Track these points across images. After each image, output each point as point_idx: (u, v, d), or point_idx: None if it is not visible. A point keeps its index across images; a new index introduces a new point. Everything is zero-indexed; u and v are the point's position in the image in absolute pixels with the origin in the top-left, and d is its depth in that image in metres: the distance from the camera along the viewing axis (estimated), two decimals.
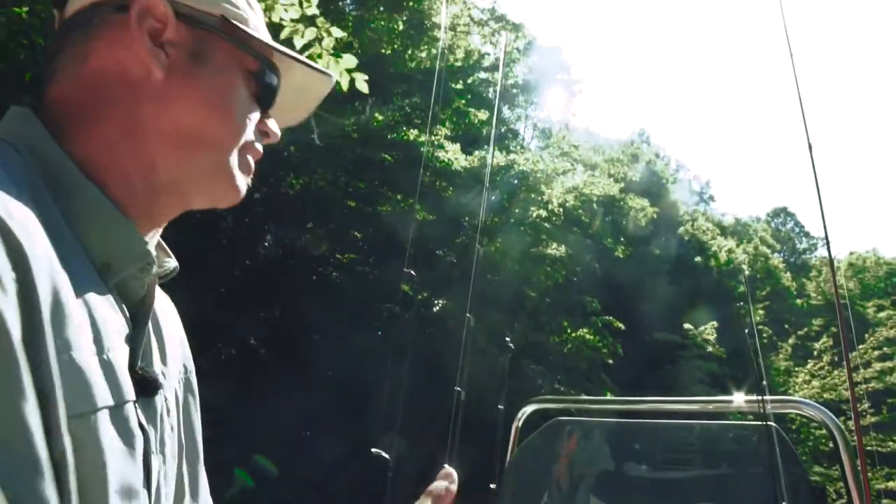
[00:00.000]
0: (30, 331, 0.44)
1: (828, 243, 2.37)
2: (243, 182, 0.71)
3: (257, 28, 0.73)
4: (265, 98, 0.73)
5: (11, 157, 0.53)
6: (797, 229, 48.98)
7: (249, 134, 0.71)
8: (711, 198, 41.69)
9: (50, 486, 0.43)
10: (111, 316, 0.57)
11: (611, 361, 13.83)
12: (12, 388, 0.42)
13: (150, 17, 0.64)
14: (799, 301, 32.92)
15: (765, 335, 22.11)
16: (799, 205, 69.29)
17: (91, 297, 0.54)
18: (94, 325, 0.53)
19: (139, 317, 0.62)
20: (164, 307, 0.75)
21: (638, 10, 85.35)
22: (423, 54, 12.66)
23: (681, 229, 25.71)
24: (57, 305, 0.48)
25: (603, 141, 27.45)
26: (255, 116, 0.72)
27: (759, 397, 1.96)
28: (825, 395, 18.41)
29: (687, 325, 18.66)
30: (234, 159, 0.69)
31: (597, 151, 23.75)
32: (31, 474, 0.42)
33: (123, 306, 0.60)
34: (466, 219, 11.42)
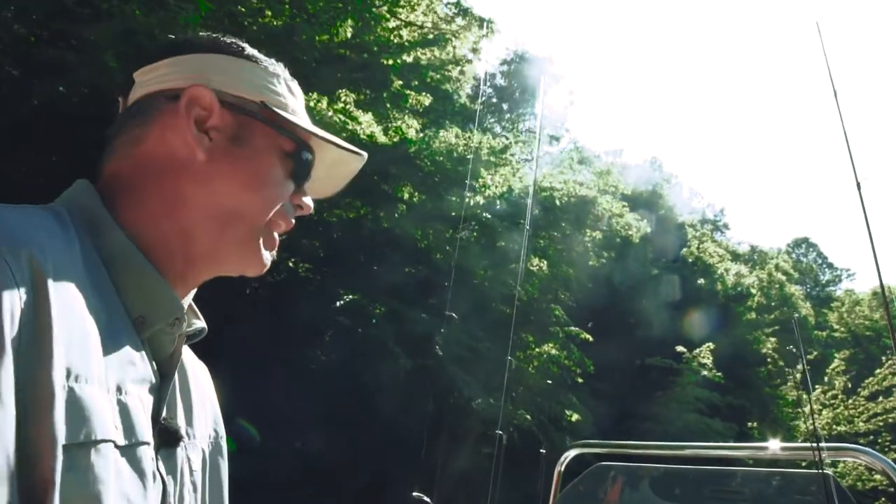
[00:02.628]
0: (29, 350, 0.50)
1: (880, 279, 2.05)
2: (268, 256, 0.79)
3: (296, 111, 0.81)
4: (300, 175, 0.79)
5: (65, 217, 0.63)
6: (819, 260, 47.18)
7: (281, 209, 0.78)
8: (726, 225, 39.87)
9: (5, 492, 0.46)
10: (139, 364, 0.64)
11: (580, 380, 12.30)
12: None
13: (197, 105, 0.73)
14: (820, 332, 30.94)
15: (770, 364, 20.22)
16: (821, 235, 66.86)
17: (120, 344, 0.61)
18: (117, 369, 0.59)
19: (167, 371, 0.70)
20: (198, 371, 0.83)
21: (654, 33, 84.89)
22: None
23: (684, 250, 24.18)
24: (76, 340, 0.54)
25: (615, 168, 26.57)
26: (289, 192, 0.79)
27: (814, 444, 1.77)
28: (838, 428, 16.48)
29: (680, 348, 16.93)
30: (260, 234, 0.77)
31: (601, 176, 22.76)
32: None
33: (153, 360, 0.67)
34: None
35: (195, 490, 0.71)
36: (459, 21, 11.01)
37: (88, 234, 0.64)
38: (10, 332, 0.49)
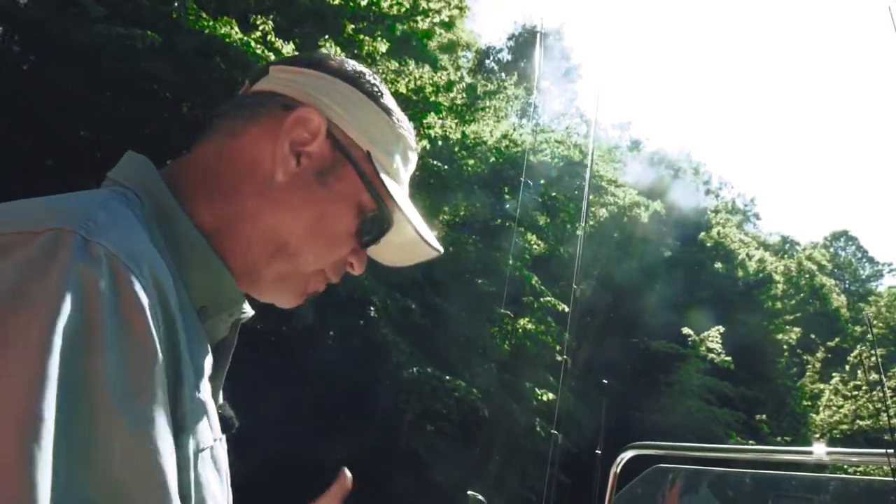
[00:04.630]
0: (174, 371, 0.53)
1: None
2: (301, 298, 0.76)
3: (399, 178, 0.77)
4: (367, 237, 0.75)
5: (136, 205, 0.62)
6: (859, 254, 44.98)
7: (333, 261, 0.75)
8: (756, 215, 38.03)
9: None
10: (206, 356, 0.64)
11: (559, 358, 11.24)
12: (157, 430, 0.48)
13: (302, 126, 0.70)
14: (856, 327, 29.05)
15: (786, 354, 18.72)
16: (862, 229, 63.80)
17: (196, 341, 0.61)
18: (196, 364, 0.60)
19: (219, 357, 0.70)
20: None
21: (686, 24, 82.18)
22: None
23: (702, 234, 22.76)
24: (185, 347, 0.56)
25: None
26: (348, 248, 0.75)
27: (890, 451, 1.63)
28: (859, 423, 15.01)
29: (686, 330, 15.63)
30: (306, 277, 0.74)
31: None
32: None
33: (210, 348, 0.67)
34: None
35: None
36: None
37: (156, 220, 0.63)
38: (162, 363, 0.51)
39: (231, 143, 0.70)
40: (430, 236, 0.77)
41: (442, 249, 0.80)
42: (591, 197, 17.88)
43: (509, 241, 12.32)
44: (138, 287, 0.50)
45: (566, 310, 10.78)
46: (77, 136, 7.88)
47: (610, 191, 16.75)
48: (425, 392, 8.10)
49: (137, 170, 0.66)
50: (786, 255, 30.82)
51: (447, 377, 8.22)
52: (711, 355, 15.27)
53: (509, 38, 22.80)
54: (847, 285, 40.45)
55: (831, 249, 42.86)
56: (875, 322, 28.75)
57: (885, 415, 13.73)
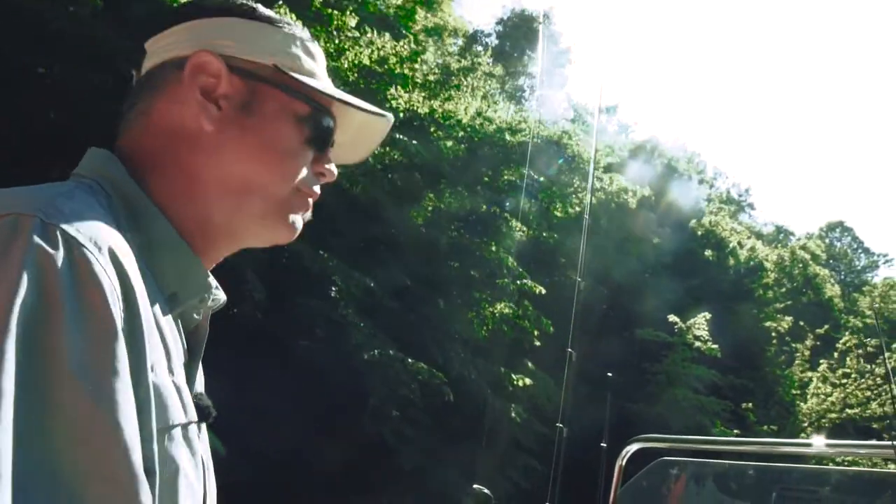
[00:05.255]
0: (133, 352, 0.52)
1: None
2: (298, 220, 0.75)
3: (314, 73, 0.75)
4: (319, 141, 0.75)
5: (100, 194, 0.62)
6: (855, 245, 44.85)
7: (302, 177, 0.74)
8: (751, 205, 37.74)
9: (147, 494, 0.49)
10: (177, 342, 0.64)
11: (538, 343, 10.93)
12: (119, 401, 0.48)
13: (202, 73, 0.70)
14: (850, 318, 28.81)
15: (775, 343, 18.42)
16: (858, 220, 63.60)
17: (163, 322, 0.61)
18: (166, 349, 0.60)
19: (194, 346, 0.70)
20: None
21: (681, 14, 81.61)
22: None
23: (692, 222, 22.44)
24: (148, 327, 0.55)
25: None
26: (308, 159, 0.74)
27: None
28: (848, 412, 14.72)
29: (672, 318, 15.30)
30: (285, 202, 0.73)
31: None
32: (135, 483, 0.48)
33: (183, 335, 0.68)
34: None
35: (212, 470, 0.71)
36: None
37: (123, 210, 0.63)
38: (122, 335, 0.51)
39: (150, 122, 0.70)
40: (374, 107, 0.77)
41: (390, 115, 0.78)
42: (576, 183, 17.58)
43: (494, 227, 12.01)
44: (96, 266, 0.51)
45: (542, 292, 10.47)
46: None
47: (597, 175, 16.40)
48: (389, 376, 7.79)
49: (101, 163, 0.67)
50: (780, 245, 30.55)
51: (409, 360, 7.90)
52: (698, 343, 14.94)
53: (497, 23, 22.39)
54: (843, 276, 40.28)
55: (827, 240, 42.69)
56: (869, 313, 28.52)
57: (874, 403, 13.42)
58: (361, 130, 0.80)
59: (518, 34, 20.79)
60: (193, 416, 0.63)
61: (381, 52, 7.76)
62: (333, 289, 7.95)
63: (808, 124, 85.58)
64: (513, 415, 9.78)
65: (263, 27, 0.73)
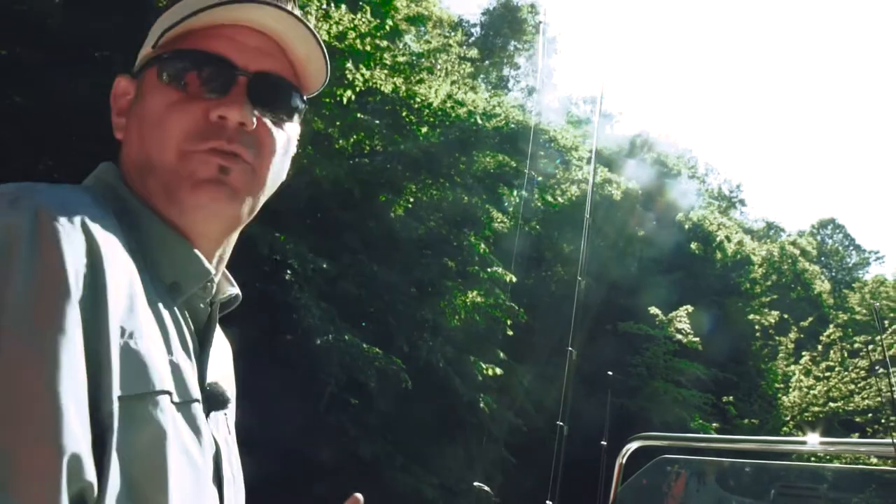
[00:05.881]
0: (92, 312, 0.51)
1: None
2: (205, 183, 0.68)
3: (186, 12, 0.70)
4: (186, 83, 0.69)
5: (97, 196, 0.63)
6: (846, 242, 44.82)
7: (183, 136, 0.68)
8: (742, 201, 37.56)
9: (86, 448, 0.48)
10: (180, 330, 0.65)
11: (510, 332, 10.67)
12: (56, 352, 0.48)
13: (117, 97, 0.76)
14: (840, 314, 28.66)
15: (759, 336, 18.21)
16: (849, 217, 63.60)
17: (162, 308, 0.62)
18: (163, 331, 0.61)
19: (204, 338, 0.71)
20: (221, 346, 0.81)
21: (671, 9, 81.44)
22: None
23: (679, 215, 22.22)
24: (127, 300, 0.56)
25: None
26: (189, 115, 0.68)
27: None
28: (831, 406, 14.48)
29: (653, 310, 15.05)
30: (174, 170, 0.68)
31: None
32: (75, 436, 0.47)
33: (192, 326, 0.69)
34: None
35: (236, 460, 0.71)
36: None
37: (116, 209, 0.64)
38: (77, 293, 0.51)
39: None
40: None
41: (296, 13, 0.72)
42: (559, 173, 17.35)
43: (472, 216, 11.75)
44: (60, 231, 0.52)
45: (513, 280, 10.22)
46: None
47: (579, 165, 16.16)
48: (345, 362, 7.52)
49: (100, 170, 0.72)
50: (769, 241, 30.36)
51: (364, 345, 7.63)
52: (679, 336, 14.71)
53: (483, 13, 22.13)
54: (834, 273, 40.17)
55: (818, 237, 42.61)
56: (858, 309, 28.34)
57: (858, 397, 13.20)
58: (285, 39, 0.72)
59: (503, 24, 20.53)
60: (195, 395, 0.62)
61: (340, 26, 7.48)
62: (289, 272, 7.68)
63: (801, 121, 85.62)
64: (481, 405, 9.52)
65: (160, 13, 0.73)
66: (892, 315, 25.98)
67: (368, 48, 7.74)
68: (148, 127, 0.68)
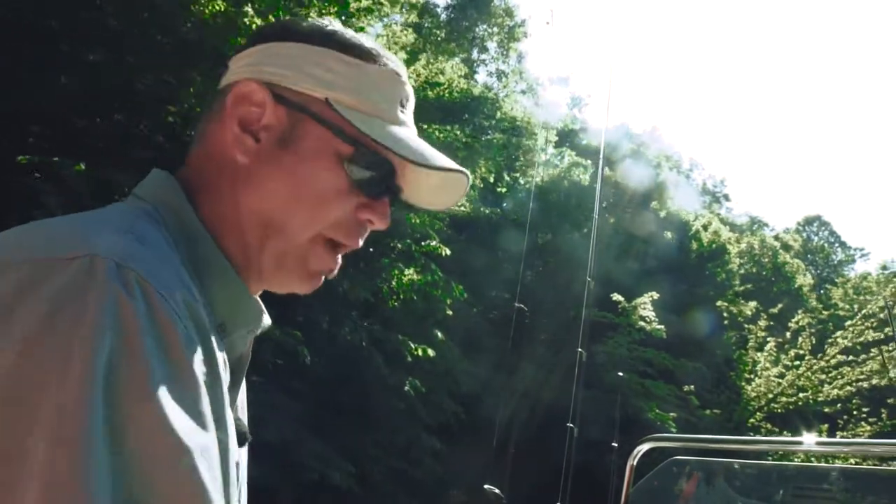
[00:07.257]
0: (214, 396, 0.53)
1: None
2: (309, 278, 0.70)
3: (382, 114, 0.68)
4: (367, 186, 0.68)
5: (160, 223, 0.61)
6: (832, 239, 44.51)
7: (339, 223, 0.69)
8: (726, 196, 37.09)
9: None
10: (225, 371, 0.62)
11: (449, 312, 9.96)
12: (207, 444, 0.49)
13: (245, 102, 0.67)
14: (823, 310, 28.17)
15: (729, 327, 17.60)
16: (834, 214, 63.22)
17: (218, 354, 0.59)
18: (222, 387, 0.60)
19: (236, 372, 0.68)
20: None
21: (658, 6, 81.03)
22: None
23: (654, 203, 21.63)
24: (218, 364, 0.57)
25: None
26: (348, 203, 0.68)
27: None
28: (801, 396, 13.82)
29: (616, 297, 14.37)
30: (304, 248, 0.68)
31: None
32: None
33: (228, 362, 0.65)
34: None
35: (244, 491, 0.72)
36: None
37: (180, 237, 0.63)
38: (202, 372, 0.52)
39: (201, 147, 0.70)
40: (443, 159, 0.69)
41: (467, 173, 0.71)
42: (536, 159, 16.70)
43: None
44: (172, 314, 0.51)
45: (447, 253, 9.51)
46: None
47: (543, 149, 15.51)
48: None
49: (161, 186, 0.66)
50: (751, 234, 29.88)
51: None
52: (642, 323, 14.05)
53: None
54: (819, 270, 39.77)
55: (804, 234, 42.28)
56: (841, 305, 27.77)
57: (828, 387, 12.47)
58: (439, 183, 0.72)
59: (470, 9, 19.87)
60: (237, 454, 0.61)
61: None
62: None
63: (788, 119, 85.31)
64: (406, 388, 8.81)
65: (329, 54, 0.68)
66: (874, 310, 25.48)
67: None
68: (306, 197, 0.66)
